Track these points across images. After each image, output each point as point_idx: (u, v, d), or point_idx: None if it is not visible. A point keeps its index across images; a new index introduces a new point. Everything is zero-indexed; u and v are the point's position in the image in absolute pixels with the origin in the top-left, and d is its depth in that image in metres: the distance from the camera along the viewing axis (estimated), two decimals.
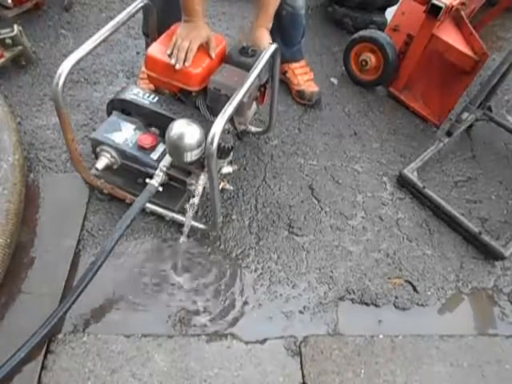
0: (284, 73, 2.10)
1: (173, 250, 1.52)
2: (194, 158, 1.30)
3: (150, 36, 1.59)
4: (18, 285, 1.38)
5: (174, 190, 1.48)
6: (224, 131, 1.19)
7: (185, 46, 1.35)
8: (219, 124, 1.15)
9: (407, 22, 2.02)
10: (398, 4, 2.15)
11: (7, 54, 1.91)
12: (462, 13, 1.84)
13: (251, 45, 1.48)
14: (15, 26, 1.90)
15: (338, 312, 1.46)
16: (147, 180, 1.39)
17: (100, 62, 2.12)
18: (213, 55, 1.42)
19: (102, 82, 2.03)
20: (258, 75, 1.33)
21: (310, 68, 2.14)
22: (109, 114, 1.52)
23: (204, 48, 1.41)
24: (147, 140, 1.42)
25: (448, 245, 1.67)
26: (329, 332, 1.41)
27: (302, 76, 2.10)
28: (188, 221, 1.44)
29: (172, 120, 1.30)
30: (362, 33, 2.13)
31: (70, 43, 2.16)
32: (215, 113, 1.37)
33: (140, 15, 1.52)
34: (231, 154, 1.44)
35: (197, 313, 1.40)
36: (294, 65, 2.09)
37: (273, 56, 1.39)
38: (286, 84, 2.12)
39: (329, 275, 1.54)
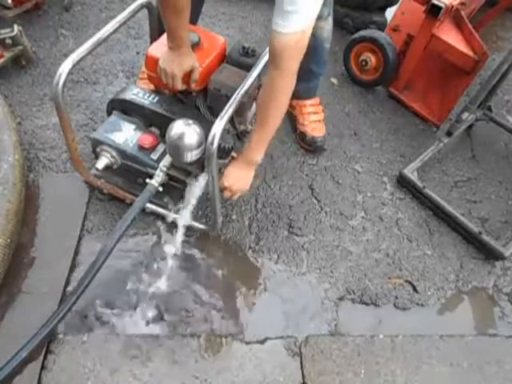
0: (293, 108, 1.89)
1: (173, 250, 1.52)
2: (194, 158, 1.30)
3: (151, 36, 1.59)
4: (18, 285, 1.37)
5: (174, 190, 1.48)
6: (224, 131, 1.18)
7: (168, 73, 1.32)
8: (219, 124, 1.16)
9: (407, 22, 2.02)
10: (398, 4, 2.15)
11: (7, 54, 1.90)
12: (462, 13, 1.84)
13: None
14: (15, 26, 1.89)
15: (338, 312, 1.46)
16: (147, 180, 1.39)
17: (100, 61, 2.11)
18: (193, 86, 1.37)
19: (101, 82, 2.03)
20: (258, 75, 1.33)
21: (322, 108, 1.92)
22: (109, 113, 1.52)
23: (203, 48, 1.41)
24: (147, 140, 1.42)
25: (448, 245, 1.67)
26: (329, 332, 1.41)
27: (310, 115, 1.87)
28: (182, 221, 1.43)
29: (172, 120, 1.30)
30: (362, 33, 2.14)
31: (69, 43, 2.16)
32: (215, 113, 1.36)
33: (140, 15, 1.52)
34: (231, 154, 1.44)
35: (197, 313, 1.40)
36: (305, 102, 1.87)
37: None
38: (290, 120, 1.91)
39: (329, 275, 1.54)
